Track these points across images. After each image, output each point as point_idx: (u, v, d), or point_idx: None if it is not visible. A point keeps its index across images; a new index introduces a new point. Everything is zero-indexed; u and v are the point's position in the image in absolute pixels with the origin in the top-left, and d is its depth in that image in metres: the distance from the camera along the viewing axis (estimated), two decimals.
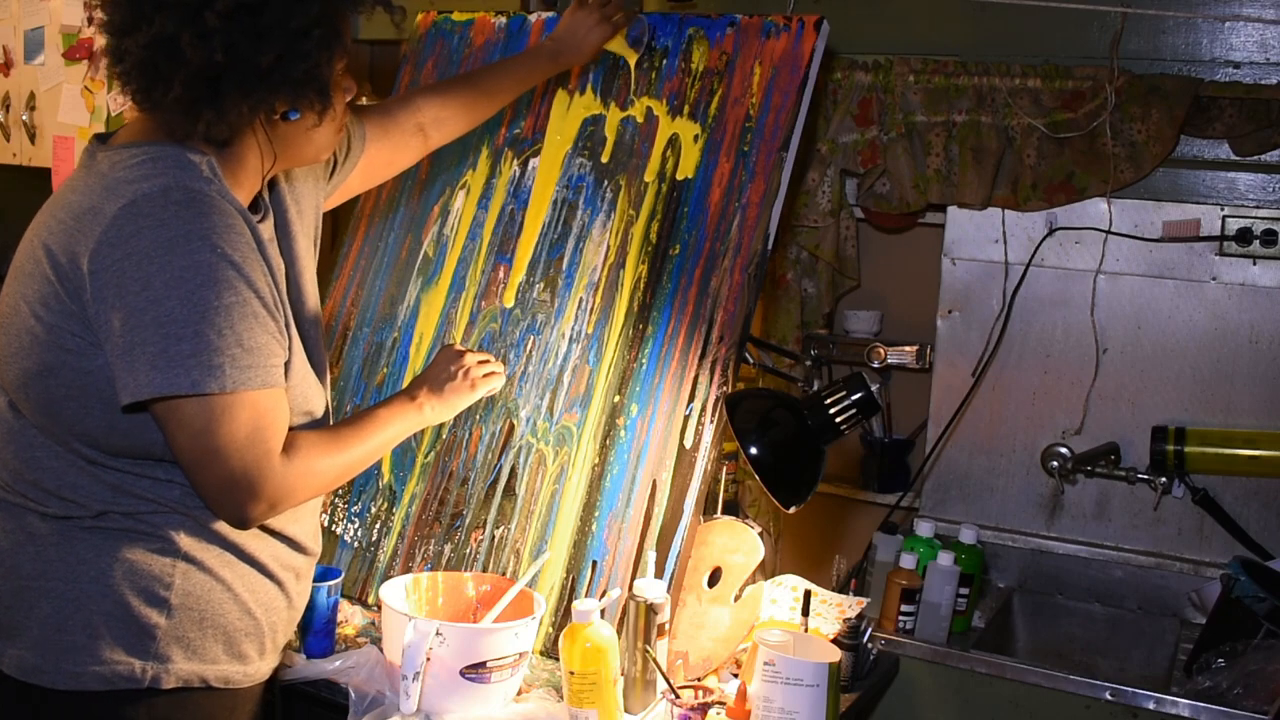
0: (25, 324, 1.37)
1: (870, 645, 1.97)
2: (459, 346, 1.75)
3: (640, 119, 2.08)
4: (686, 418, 1.88)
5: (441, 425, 2.03)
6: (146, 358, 1.29)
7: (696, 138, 2.02)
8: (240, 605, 1.45)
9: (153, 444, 1.37)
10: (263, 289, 1.36)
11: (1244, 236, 2.45)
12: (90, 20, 3.13)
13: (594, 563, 1.86)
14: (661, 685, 1.68)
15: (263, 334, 1.35)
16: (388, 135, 1.82)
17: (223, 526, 1.42)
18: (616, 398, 1.94)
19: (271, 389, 1.36)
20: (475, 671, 1.62)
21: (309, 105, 1.41)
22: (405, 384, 2.09)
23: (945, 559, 2.34)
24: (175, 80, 1.33)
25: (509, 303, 2.07)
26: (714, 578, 1.95)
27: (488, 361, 1.75)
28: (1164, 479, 2.52)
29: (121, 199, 1.32)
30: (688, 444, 1.86)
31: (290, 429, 1.41)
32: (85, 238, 1.32)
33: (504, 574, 1.91)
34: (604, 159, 2.09)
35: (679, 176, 2.02)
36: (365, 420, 1.56)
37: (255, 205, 1.50)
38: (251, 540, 1.45)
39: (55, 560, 1.39)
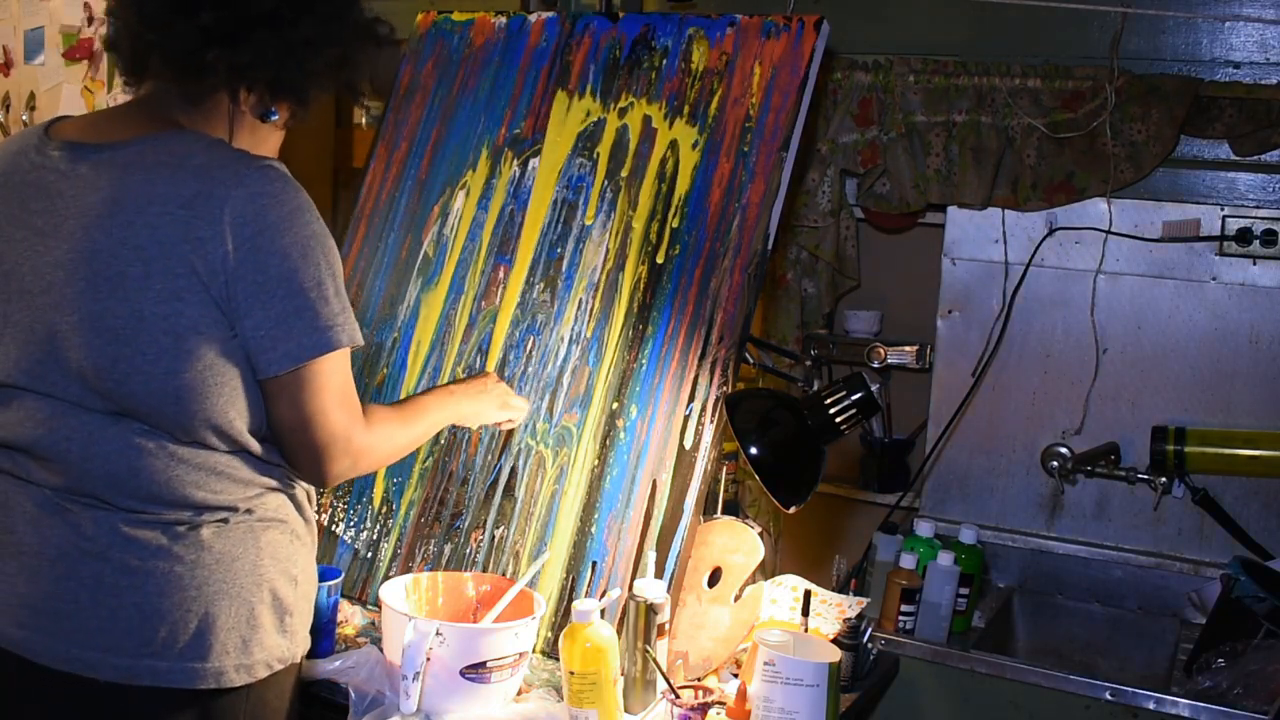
0: (156, 331, 1.33)
1: (870, 645, 1.98)
2: (496, 374, 1.92)
3: (639, 123, 2.08)
4: (686, 418, 1.88)
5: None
6: (303, 322, 1.35)
7: (695, 144, 2.02)
8: (316, 572, 1.55)
9: (265, 418, 1.41)
10: None
11: (1244, 236, 2.45)
12: (90, 20, 3.14)
13: (594, 563, 1.86)
14: (661, 685, 1.68)
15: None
16: None
17: (303, 500, 1.50)
18: (616, 399, 1.94)
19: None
20: (475, 671, 1.62)
21: (292, 112, 1.50)
22: (404, 385, 2.10)
23: (945, 559, 2.34)
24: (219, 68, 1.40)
25: (510, 305, 2.07)
26: (714, 578, 1.95)
27: (518, 398, 1.92)
28: (1164, 479, 2.52)
29: (233, 182, 1.34)
30: (688, 444, 1.86)
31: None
32: (208, 223, 1.33)
33: (504, 575, 1.91)
34: (604, 159, 2.09)
35: (679, 177, 2.02)
36: (418, 404, 1.67)
37: None
38: (310, 513, 1.52)
39: (215, 565, 1.39)
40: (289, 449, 1.42)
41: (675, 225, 2.00)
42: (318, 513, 2.09)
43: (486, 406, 1.84)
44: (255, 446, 1.41)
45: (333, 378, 1.40)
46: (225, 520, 1.40)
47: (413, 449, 1.66)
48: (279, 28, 1.41)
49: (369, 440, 1.45)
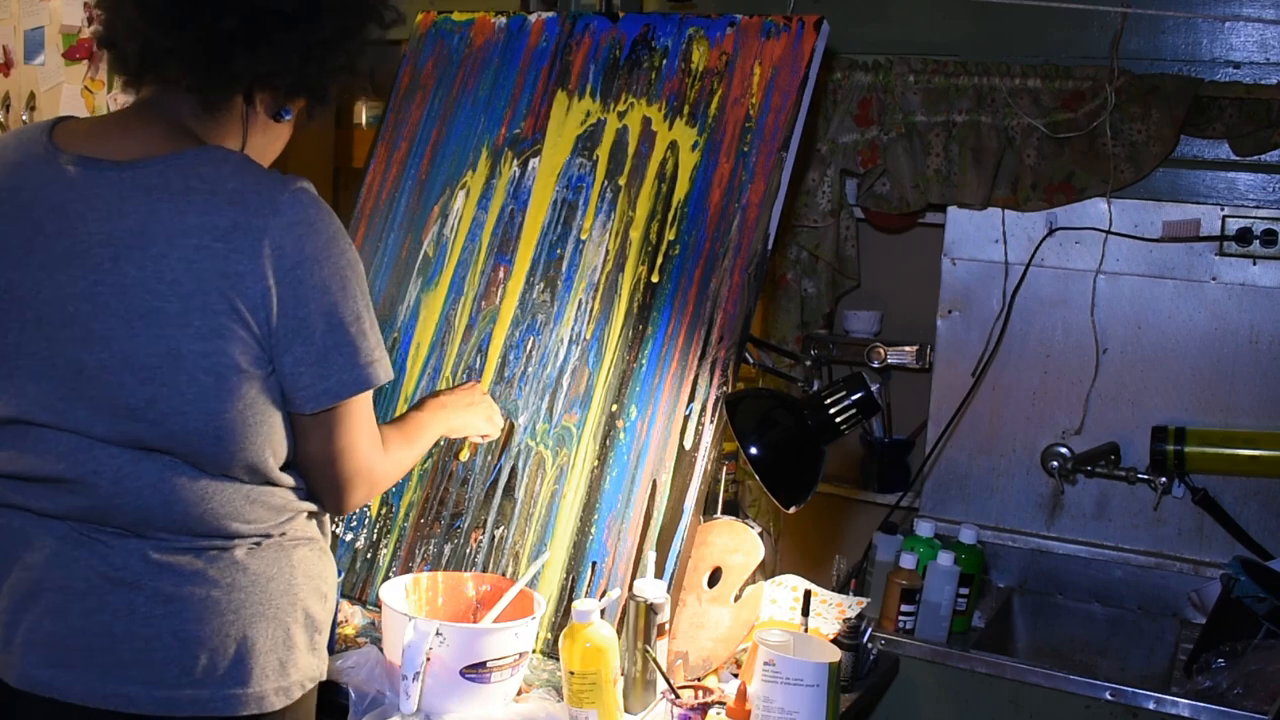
0: (196, 370, 1.28)
1: (870, 645, 1.97)
2: (483, 386, 1.95)
3: (639, 124, 2.08)
4: (686, 418, 1.88)
5: None
6: (343, 359, 1.33)
7: (695, 145, 2.02)
8: (336, 586, 1.54)
9: (294, 450, 1.39)
10: None
11: (1244, 236, 2.45)
12: (90, 20, 3.14)
13: (594, 564, 1.86)
14: (661, 685, 1.68)
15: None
16: None
17: (325, 516, 1.49)
18: (616, 399, 1.94)
19: None
20: (475, 671, 1.62)
21: (310, 109, 1.46)
22: (404, 386, 2.10)
23: (945, 559, 2.34)
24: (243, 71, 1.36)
25: (510, 306, 2.07)
26: (714, 578, 1.95)
27: (499, 413, 1.94)
28: (1164, 479, 2.52)
29: (269, 210, 1.29)
30: (688, 444, 1.86)
31: None
32: (248, 256, 1.27)
33: (504, 575, 1.91)
34: (603, 160, 2.09)
35: (679, 178, 2.02)
36: (418, 420, 1.68)
37: None
38: (328, 523, 1.52)
39: (250, 586, 1.35)
40: (313, 480, 1.40)
41: (675, 226, 2.00)
42: None
43: (474, 419, 1.87)
44: (287, 479, 1.38)
45: (365, 412, 1.39)
46: (258, 543, 1.37)
47: (412, 466, 1.71)
48: (298, 29, 1.36)
49: (386, 467, 1.46)
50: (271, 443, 1.34)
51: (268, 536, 1.37)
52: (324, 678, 1.45)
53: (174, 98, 1.39)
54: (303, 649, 1.39)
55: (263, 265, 1.28)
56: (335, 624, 1.81)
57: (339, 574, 1.83)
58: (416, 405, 1.75)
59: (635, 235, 2.02)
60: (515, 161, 2.16)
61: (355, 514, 2.06)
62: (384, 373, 1.37)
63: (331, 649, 1.78)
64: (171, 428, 1.29)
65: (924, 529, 2.46)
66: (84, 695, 1.29)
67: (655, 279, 1.98)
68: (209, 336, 1.27)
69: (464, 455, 2.02)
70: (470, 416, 1.85)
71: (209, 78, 1.36)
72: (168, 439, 1.29)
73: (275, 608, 1.36)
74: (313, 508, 1.43)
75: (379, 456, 1.43)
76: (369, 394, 1.39)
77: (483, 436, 1.94)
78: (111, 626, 1.30)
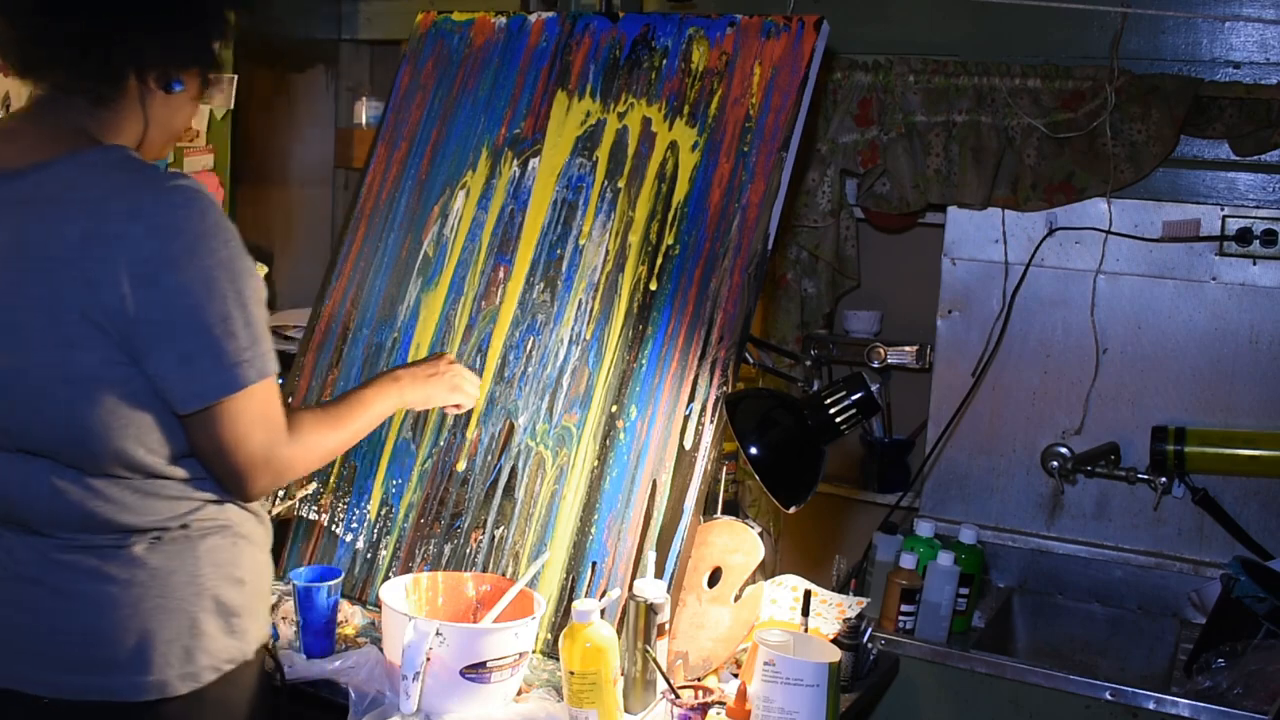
0: (52, 380, 1.32)
1: (870, 645, 1.98)
2: (452, 356, 1.88)
3: (638, 125, 2.08)
4: (686, 418, 1.88)
5: (440, 428, 2.03)
6: (208, 361, 1.33)
7: (695, 145, 2.02)
8: (269, 566, 1.54)
9: (186, 440, 1.40)
10: (256, 271, 1.42)
11: (1244, 236, 2.45)
12: None
13: (594, 564, 1.86)
14: (661, 685, 1.68)
15: (267, 315, 1.42)
16: None
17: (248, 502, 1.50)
18: (616, 399, 1.94)
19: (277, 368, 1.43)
20: (475, 671, 1.62)
21: (203, 76, 1.47)
22: None
23: (945, 559, 2.35)
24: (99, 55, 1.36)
25: (510, 306, 2.07)
26: (714, 578, 1.95)
27: (471, 381, 1.89)
28: (1164, 479, 2.52)
29: (127, 217, 1.30)
30: (688, 444, 1.86)
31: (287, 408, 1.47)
32: (106, 264, 1.29)
33: (504, 575, 1.91)
34: (603, 161, 2.09)
35: (678, 178, 2.02)
36: (355, 399, 1.65)
37: None
38: (258, 506, 1.53)
39: (149, 581, 1.39)
40: (211, 470, 1.42)
41: (675, 226, 2.00)
42: (318, 513, 2.09)
43: (436, 390, 1.82)
44: (179, 472, 1.40)
45: (248, 408, 1.37)
46: (159, 537, 1.40)
47: (354, 443, 1.64)
48: (164, 5, 1.38)
49: (292, 453, 1.44)
50: (144, 441, 1.36)
51: (167, 530, 1.40)
52: (250, 657, 1.47)
53: (64, 98, 1.41)
54: (215, 635, 1.43)
55: (118, 273, 1.29)
56: (332, 617, 1.81)
57: (339, 574, 1.83)
58: (366, 381, 1.75)
59: (635, 235, 2.02)
60: (515, 161, 2.16)
61: (355, 514, 2.07)
62: (255, 373, 1.36)
63: (329, 648, 1.79)
64: (36, 435, 1.34)
65: (924, 529, 2.47)
66: (2, 679, 1.37)
67: (655, 279, 1.98)
68: (64, 346, 1.31)
69: (460, 465, 2.01)
70: (432, 388, 1.81)
71: (90, 75, 1.39)
72: (37, 444, 1.35)
73: (177, 599, 1.40)
74: (215, 496, 1.44)
75: (281, 444, 1.42)
76: (259, 389, 1.37)
77: (454, 407, 1.91)
78: (19, 619, 1.37)
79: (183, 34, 1.41)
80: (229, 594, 1.45)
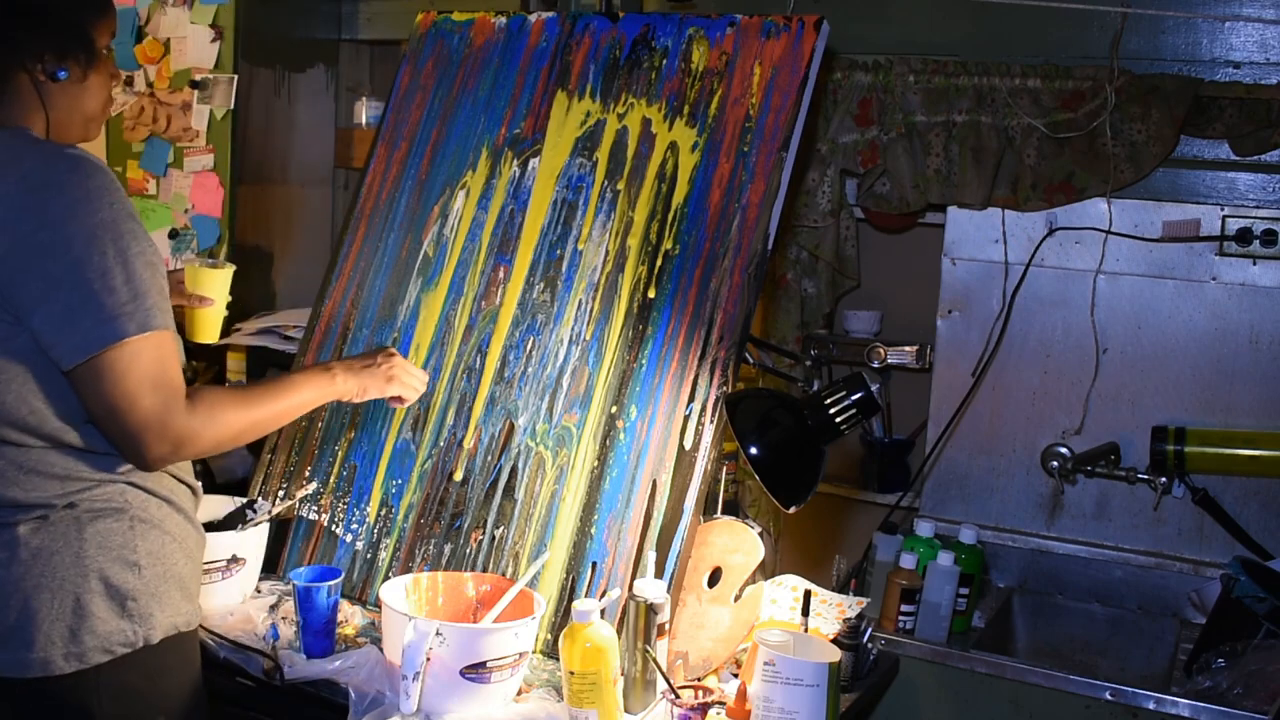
0: None
1: (870, 645, 1.98)
2: (394, 349, 1.82)
3: (638, 125, 2.08)
4: (686, 418, 1.88)
5: (440, 428, 2.03)
6: (89, 315, 1.37)
7: (695, 145, 2.02)
8: (184, 551, 1.56)
9: (79, 405, 1.43)
10: (150, 238, 1.46)
11: (1244, 236, 2.45)
12: None
13: (594, 564, 1.86)
14: (661, 685, 1.68)
15: (161, 279, 1.45)
16: None
17: (159, 483, 1.52)
18: (616, 399, 1.94)
19: (170, 330, 1.45)
20: (475, 671, 1.62)
21: (75, 60, 1.51)
22: None
23: (945, 559, 2.35)
24: None
25: (510, 306, 2.07)
26: (714, 578, 1.95)
27: (412, 375, 1.80)
28: (1164, 479, 2.52)
29: (12, 179, 1.38)
30: (688, 444, 1.86)
31: (196, 385, 1.50)
32: None
33: (504, 575, 1.91)
34: (603, 161, 2.09)
35: (678, 178, 2.02)
36: (278, 383, 1.64)
37: None
38: (176, 490, 1.55)
39: (31, 560, 1.44)
40: (107, 436, 1.44)
41: (675, 226, 2.00)
42: (317, 513, 2.09)
43: (371, 381, 1.75)
44: (73, 437, 1.43)
45: (135, 364, 1.40)
46: (44, 517, 1.43)
47: (270, 428, 1.61)
48: (34, 4, 1.46)
49: (192, 424, 1.44)
50: (31, 400, 1.40)
51: (52, 507, 1.44)
52: (139, 645, 1.49)
53: None
54: (104, 617, 1.45)
55: (1, 231, 1.36)
56: (332, 617, 1.81)
57: (339, 574, 1.83)
58: (299, 369, 1.77)
59: (635, 235, 2.02)
60: (515, 161, 2.16)
61: (355, 515, 2.07)
62: (135, 325, 1.39)
63: (329, 648, 1.79)
64: None
65: (924, 529, 2.46)
66: None
67: (655, 279, 1.98)
68: None
69: (457, 475, 2.01)
70: (367, 378, 1.74)
71: None
72: None
73: (59, 579, 1.43)
74: (112, 476, 1.47)
75: (176, 412, 1.42)
76: (141, 348, 1.40)
77: (395, 400, 1.83)
78: None
79: (51, 25, 1.48)
80: (121, 577, 1.47)
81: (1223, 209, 2.48)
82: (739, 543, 1.96)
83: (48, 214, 1.38)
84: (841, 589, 2.33)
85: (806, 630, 1.85)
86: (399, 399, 1.81)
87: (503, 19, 2.27)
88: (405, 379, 1.80)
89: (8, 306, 1.38)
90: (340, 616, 1.87)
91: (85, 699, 1.45)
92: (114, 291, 1.38)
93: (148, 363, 1.41)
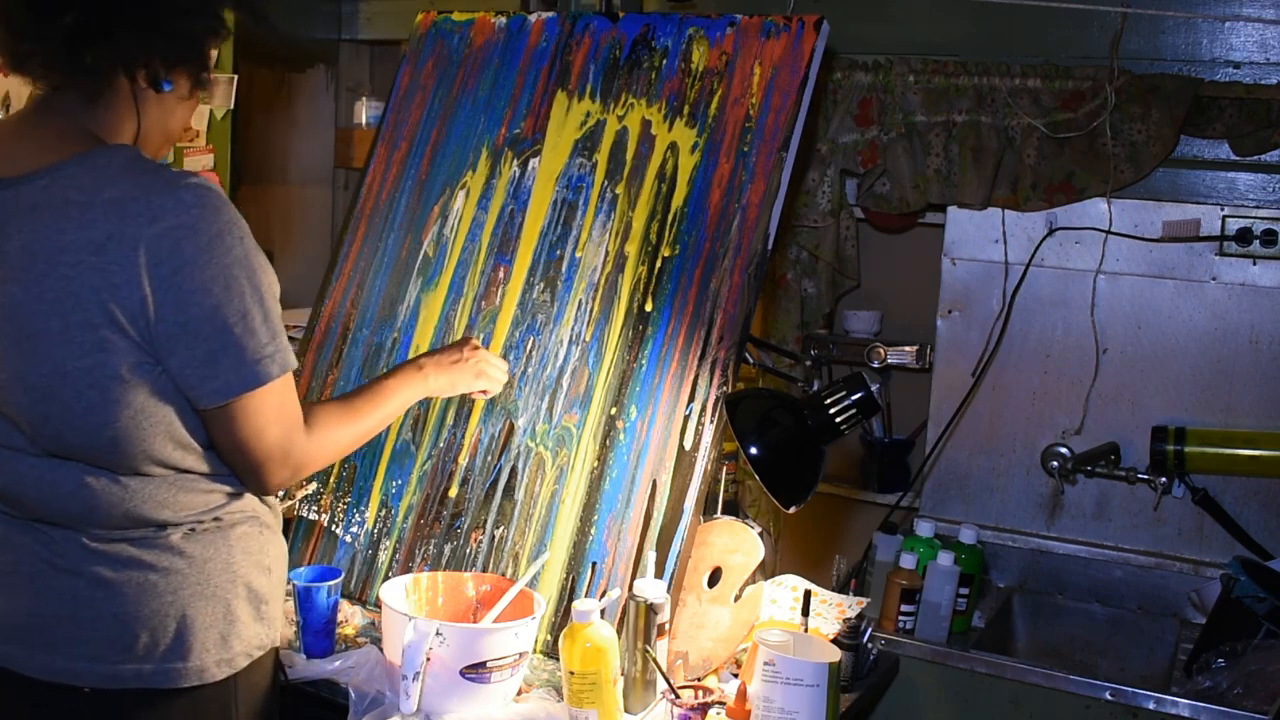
0: (81, 385, 1.32)
1: (870, 645, 1.98)
2: (477, 340, 1.88)
3: (638, 126, 2.08)
4: (686, 418, 1.88)
5: (440, 428, 2.03)
6: (229, 358, 1.34)
7: (695, 146, 2.02)
8: (286, 554, 1.57)
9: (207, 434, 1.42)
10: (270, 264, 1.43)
11: (1244, 236, 2.45)
12: None
13: (594, 564, 1.86)
14: (661, 685, 1.68)
15: (280, 314, 1.43)
16: None
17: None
18: (616, 400, 1.94)
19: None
20: (475, 671, 1.62)
21: (193, 77, 1.45)
22: None
23: (945, 559, 2.35)
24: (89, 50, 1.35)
25: (510, 306, 2.07)
26: (714, 578, 1.95)
27: (497, 367, 1.89)
28: (1164, 479, 2.52)
29: (143, 219, 1.30)
30: (688, 444, 1.86)
31: (303, 401, 1.49)
32: (122, 267, 1.30)
33: (503, 575, 1.91)
34: (603, 161, 2.09)
35: (678, 178, 2.02)
36: (376, 390, 1.66)
37: None
38: (270, 498, 1.54)
39: (188, 569, 1.42)
40: (229, 465, 1.44)
41: (675, 226, 2.00)
42: (317, 513, 2.09)
43: (461, 376, 1.82)
44: (204, 466, 1.42)
45: (267, 403, 1.39)
46: (194, 529, 1.43)
47: (374, 434, 1.65)
48: (148, 3, 1.38)
49: (310, 448, 1.46)
50: (174, 437, 1.38)
51: (200, 522, 1.43)
52: (278, 644, 1.52)
53: (61, 96, 1.41)
54: (246, 621, 1.46)
55: (139, 274, 1.30)
56: (332, 617, 1.81)
57: (339, 574, 1.83)
58: (389, 370, 1.76)
59: (635, 236, 2.02)
60: (515, 162, 2.16)
61: (355, 515, 2.07)
62: (277, 368, 1.38)
63: (329, 648, 1.79)
64: (69, 441, 1.35)
65: (924, 529, 2.47)
66: (34, 669, 1.38)
67: (655, 280, 1.98)
68: (91, 352, 1.31)
69: (457, 475, 2.01)
70: (457, 374, 1.81)
71: (75, 72, 1.38)
72: (70, 449, 1.36)
73: (214, 586, 1.43)
74: (238, 489, 1.47)
75: (299, 438, 1.44)
76: (282, 385, 1.39)
77: (480, 393, 1.91)
78: (57, 609, 1.38)
79: (169, 32, 1.41)
80: (259, 581, 1.48)
81: (1223, 209, 2.48)
82: (739, 543, 1.96)
83: (183, 256, 1.31)
84: (841, 589, 2.33)
85: (806, 630, 1.85)
86: (484, 391, 1.89)
87: (503, 19, 2.27)
88: (492, 372, 1.88)
89: (149, 350, 1.33)
90: (340, 616, 1.87)
91: (226, 704, 1.44)
92: (254, 334, 1.35)
93: (277, 398, 1.40)
